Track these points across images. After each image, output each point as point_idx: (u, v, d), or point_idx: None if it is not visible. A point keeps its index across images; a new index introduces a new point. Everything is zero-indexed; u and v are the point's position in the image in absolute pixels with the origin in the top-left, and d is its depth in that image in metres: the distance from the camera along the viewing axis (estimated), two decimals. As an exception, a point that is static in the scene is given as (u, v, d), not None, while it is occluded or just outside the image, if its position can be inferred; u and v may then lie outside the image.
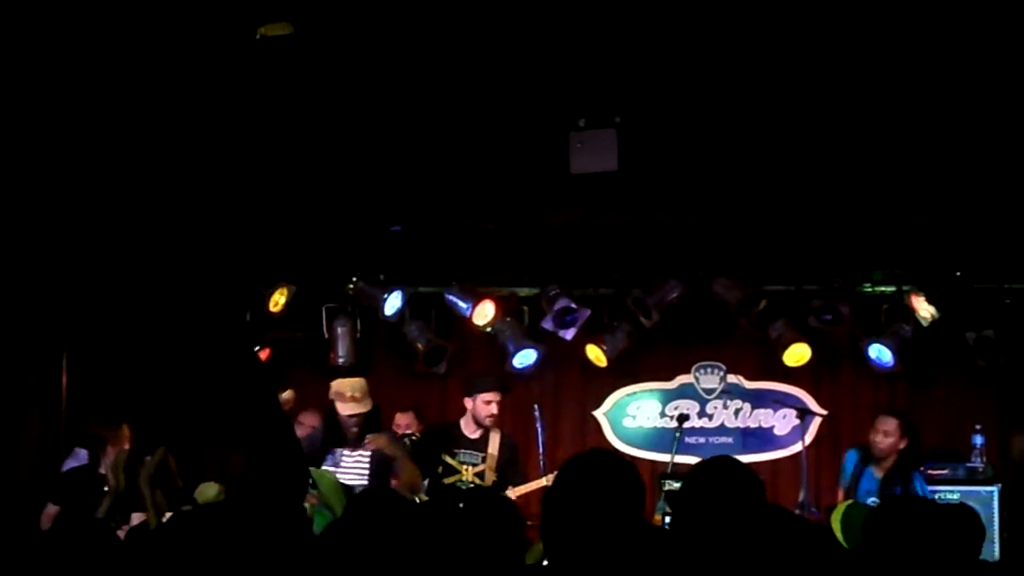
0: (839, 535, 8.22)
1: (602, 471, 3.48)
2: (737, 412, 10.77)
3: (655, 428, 10.76)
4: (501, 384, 9.23)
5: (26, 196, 8.94)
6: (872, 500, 8.49)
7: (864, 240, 9.88)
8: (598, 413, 10.92)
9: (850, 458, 9.22)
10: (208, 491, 7.77)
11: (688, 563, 3.53)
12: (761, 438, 10.70)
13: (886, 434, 9.01)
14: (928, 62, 7.64)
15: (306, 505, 8.95)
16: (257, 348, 10.47)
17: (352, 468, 8.49)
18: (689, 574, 3.53)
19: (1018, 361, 9.92)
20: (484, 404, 8.94)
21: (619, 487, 3.44)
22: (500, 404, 9.05)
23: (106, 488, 8.59)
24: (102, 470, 8.68)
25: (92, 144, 8.44)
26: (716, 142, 8.88)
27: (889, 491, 8.70)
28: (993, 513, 9.31)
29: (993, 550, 9.05)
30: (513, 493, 8.83)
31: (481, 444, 9.03)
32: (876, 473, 9.03)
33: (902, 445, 9.05)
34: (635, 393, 10.87)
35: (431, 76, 8.04)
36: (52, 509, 8.65)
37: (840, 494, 9.15)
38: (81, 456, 9.13)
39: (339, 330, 10.53)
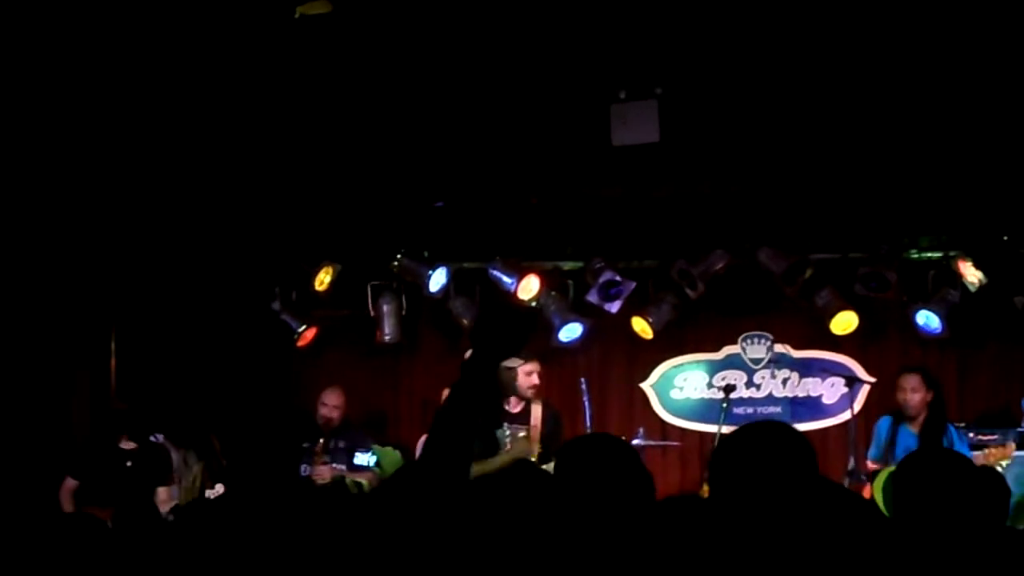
0: (882, 506, 8.22)
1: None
2: (785, 381, 10.76)
3: (702, 399, 10.76)
4: (538, 354, 9.24)
5: (77, 178, 9.04)
6: None
7: (910, 206, 9.85)
8: (645, 385, 10.94)
9: (883, 424, 9.19)
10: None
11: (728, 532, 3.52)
12: (810, 407, 10.69)
13: (913, 390, 9.02)
14: (968, 27, 7.61)
15: (362, 482, 9.09)
16: (303, 327, 10.53)
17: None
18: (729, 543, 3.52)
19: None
20: (525, 376, 8.94)
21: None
22: (541, 375, 9.06)
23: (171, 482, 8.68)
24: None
25: (137, 124, 8.52)
26: (758, 111, 8.91)
27: (928, 444, 8.68)
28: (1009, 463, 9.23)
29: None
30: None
31: (524, 417, 9.05)
32: (913, 429, 9.03)
33: (929, 397, 9.07)
34: (681, 365, 10.89)
35: (474, 51, 8.08)
36: (70, 483, 8.68)
37: (869, 465, 9.15)
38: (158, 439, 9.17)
39: (385, 307, 10.61)
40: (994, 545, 3.81)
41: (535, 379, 9.00)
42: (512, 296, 10.29)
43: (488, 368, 3.43)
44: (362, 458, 9.34)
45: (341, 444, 9.54)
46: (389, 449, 9.79)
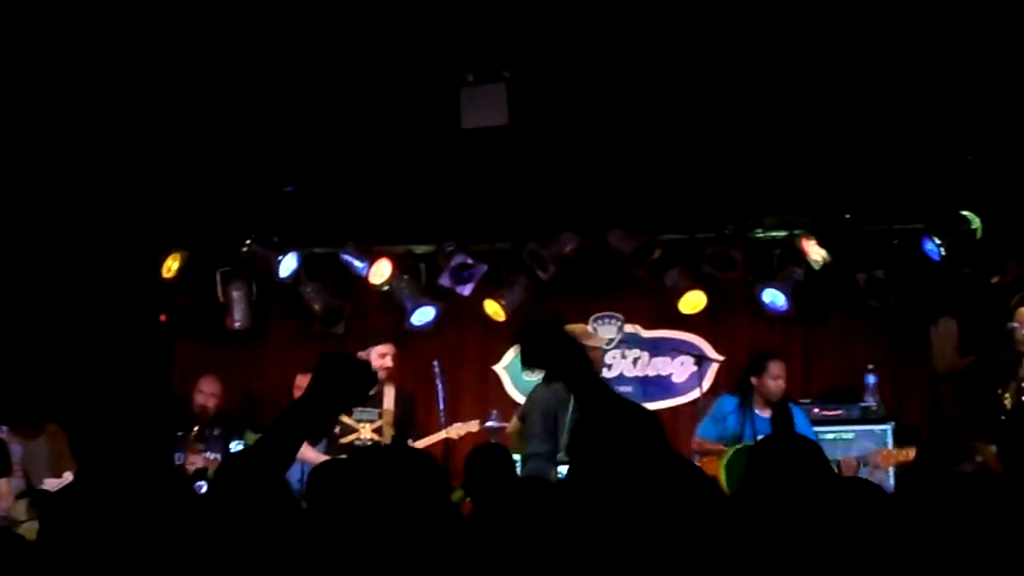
0: (724, 483, 8.37)
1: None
2: (636, 361, 10.90)
3: (555, 380, 10.81)
4: (392, 336, 9.26)
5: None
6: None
7: (754, 186, 9.97)
8: (498, 368, 11.03)
9: (727, 404, 9.19)
10: None
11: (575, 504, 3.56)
12: (660, 386, 10.84)
13: (784, 379, 9.12)
14: (810, 10, 7.76)
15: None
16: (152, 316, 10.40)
17: None
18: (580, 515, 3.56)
19: (908, 301, 10.07)
20: (379, 357, 8.97)
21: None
22: (395, 357, 9.09)
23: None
24: None
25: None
26: (606, 93, 8.96)
27: (781, 428, 8.80)
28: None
29: (888, 487, 9.28)
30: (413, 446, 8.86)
31: (377, 400, 9.07)
32: (762, 412, 9.07)
33: None
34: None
35: (321, 33, 8.02)
36: None
37: (699, 442, 9.12)
38: None
39: (234, 294, 10.55)
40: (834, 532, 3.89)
41: (388, 361, 9.03)
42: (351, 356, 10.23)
43: (319, 420, 3.44)
44: (236, 446, 9.28)
45: (216, 432, 9.49)
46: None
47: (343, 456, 8.55)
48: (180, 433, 9.47)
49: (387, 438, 9.07)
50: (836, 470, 8.56)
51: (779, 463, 4.04)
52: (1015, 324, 7.96)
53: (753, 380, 9.15)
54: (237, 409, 10.48)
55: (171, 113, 8.84)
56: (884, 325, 10.39)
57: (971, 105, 8.78)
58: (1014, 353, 7.91)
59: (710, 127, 9.31)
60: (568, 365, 3.55)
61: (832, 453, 9.14)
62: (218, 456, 9.32)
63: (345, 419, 8.97)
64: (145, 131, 8.98)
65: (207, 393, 9.68)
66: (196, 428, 9.44)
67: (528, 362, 3.60)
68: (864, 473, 9.02)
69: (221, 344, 10.85)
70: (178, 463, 9.27)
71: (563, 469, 8.45)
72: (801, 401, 9.71)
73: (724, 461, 8.62)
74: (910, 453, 8.90)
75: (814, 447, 4.15)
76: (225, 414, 9.84)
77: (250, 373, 11.05)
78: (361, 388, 3.45)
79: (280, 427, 3.41)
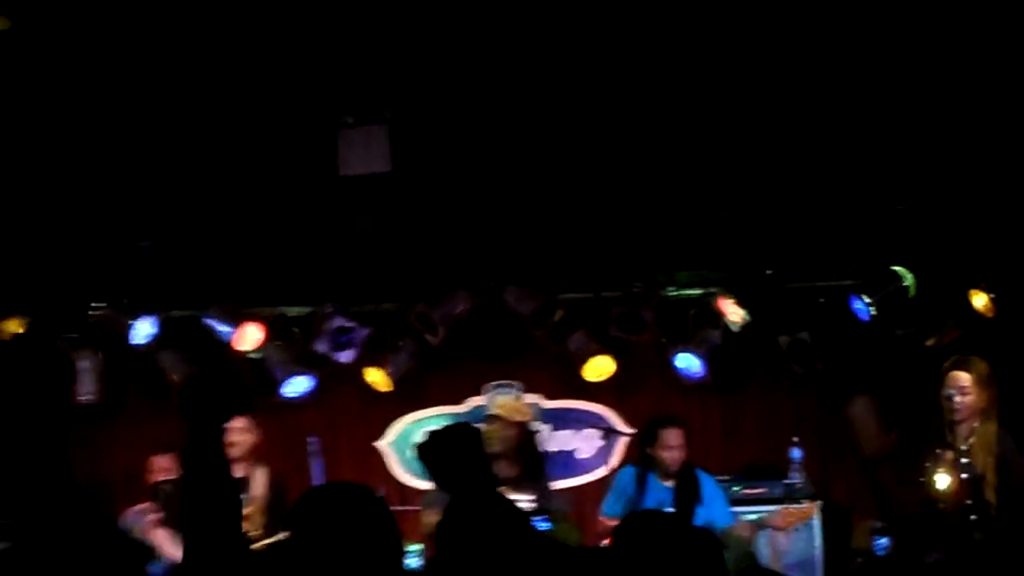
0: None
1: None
2: (537, 434, 10.90)
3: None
4: (263, 411, 9.25)
5: None
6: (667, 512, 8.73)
7: (665, 238, 10.09)
8: (382, 444, 11.06)
9: (626, 475, 9.15)
10: None
11: None
12: (563, 463, 10.81)
13: (679, 447, 9.02)
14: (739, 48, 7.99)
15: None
16: None
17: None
18: None
19: (836, 365, 10.21)
20: (230, 432, 8.88)
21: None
22: (248, 431, 9.00)
23: None
24: None
25: None
26: (499, 134, 9.12)
27: (683, 502, 8.82)
28: (814, 532, 9.67)
29: (815, 573, 9.48)
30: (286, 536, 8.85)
31: (245, 484, 9.01)
32: (665, 482, 9.03)
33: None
34: (423, 419, 10.95)
35: (185, 68, 8.07)
36: None
37: (604, 521, 9.00)
38: None
39: (82, 363, 10.47)
40: None
41: (235, 436, 8.87)
42: (223, 351, 10.27)
43: (205, 439, 3.68)
44: None
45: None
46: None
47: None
48: None
49: (256, 526, 9.02)
50: (736, 540, 8.62)
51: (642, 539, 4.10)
52: (950, 391, 8.04)
53: (647, 451, 9.09)
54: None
55: (8, 158, 8.87)
56: (810, 393, 10.53)
57: (903, 150, 9.03)
58: (946, 424, 8.00)
59: (614, 174, 9.45)
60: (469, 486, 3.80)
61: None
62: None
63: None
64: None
65: None
66: None
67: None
68: (763, 538, 9.19)
69: (66, 420, 10.75)
70: None
71: None
72: (720, 478, 9.63)
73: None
74: (810, 509, 9.01)
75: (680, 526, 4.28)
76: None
77: (98, 455, 10.93)
78: (237, 392, 3.73)
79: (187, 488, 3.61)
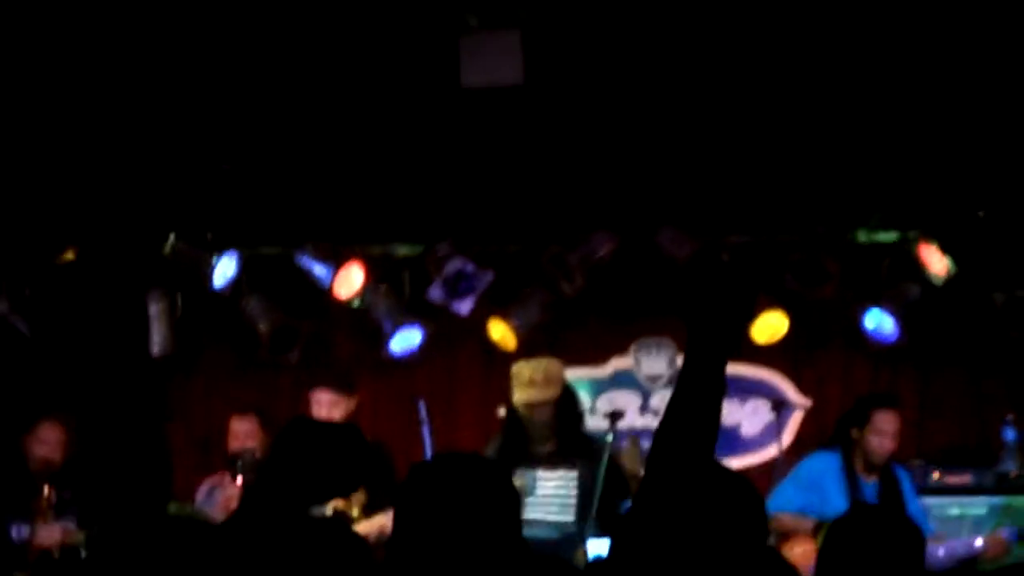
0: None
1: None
2: (691, 406, 10.76)
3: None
4: (339, 379, 9.25)
5: None
6: None
7: (856, 172, 9.92)
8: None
9: (820, 462, 9.10)
10: None
11: None
12: (724, 440, 10.46)
13: (894, 437, 8.98)
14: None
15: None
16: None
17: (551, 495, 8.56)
18: None
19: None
20: (316, 405, 9.02)
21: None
22: (338, 404, 9.06)
23: None
24: None
25: None
26: (657, 45, 8.91)
27: (892, 503, 8.72)
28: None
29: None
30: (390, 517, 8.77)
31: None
32: (867, 478, 9.01)
33: None
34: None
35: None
36: None
37: (776, 519, 8.81)
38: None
39: (153, 308, 10.42)
40: None
41: (324, 411, 8.99)
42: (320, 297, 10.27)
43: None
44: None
45: (67, 495, 9.37)
46: (190, 508, 9.66)
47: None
48: (14, 499, 9.37)
49: (356, 505, 8.99)
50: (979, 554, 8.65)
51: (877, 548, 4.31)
52: None
53: (854, 434, 9.02)
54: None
55: (72, 65, 8.79)
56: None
57: None
58: None
59: (797, 93, 9.25)
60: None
61: (957, 532, 9.08)
62: (72, 525, 9.16)
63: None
64: (30, 91, 8.93)
65: (49, 443, 9.55)
66: (47, 490, 9.34)
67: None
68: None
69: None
70: (18, 538, 9.15)
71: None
72: (914, 463, 9.66)
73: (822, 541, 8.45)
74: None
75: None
76: (78, 468, 9.72)
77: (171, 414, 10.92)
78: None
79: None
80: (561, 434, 8.54)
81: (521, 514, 3.83)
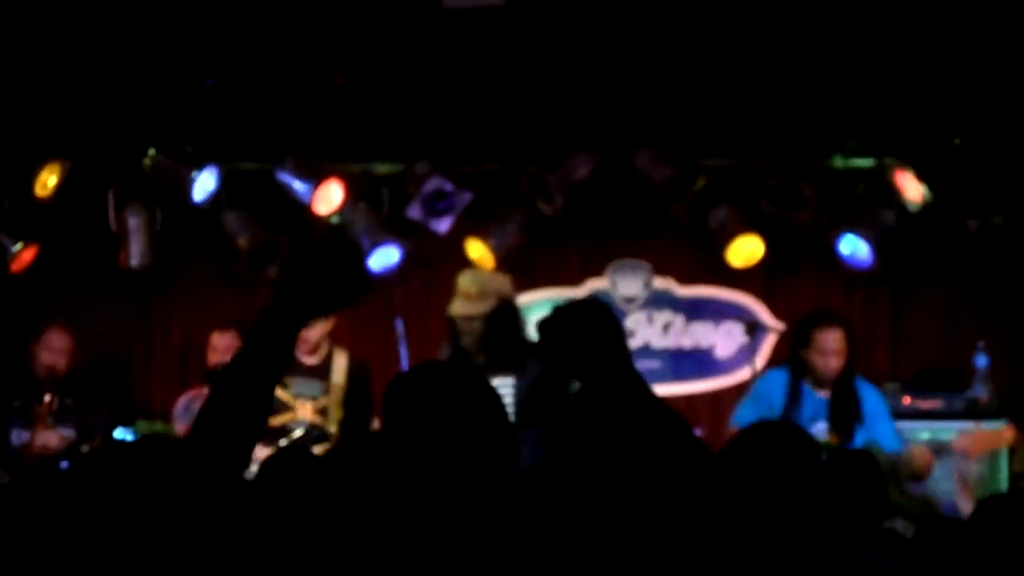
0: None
1: None
2: (667, 327, 10.90)
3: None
4: None
5: None
6: (821, 427, 8.58)
7: (833, 98, 9.93)
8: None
9: (773, 380, 9.06)
10: None
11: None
12: (698, 361, 10.89)
13: (836, 353, 8.85)
14: None
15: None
16: (19, 245, 10.33)
17: None
18: None
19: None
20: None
21: None
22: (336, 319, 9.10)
23: None
24: None
25: None
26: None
27: (841, 417, 8.73)
28: (1001, 454, 9.48)
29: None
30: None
31: (322, 370, 9.05)
32: (819, 392, 8.95)
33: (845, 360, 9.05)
34: (532, 304, 10.78)
35: None
36: None
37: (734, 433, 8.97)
38: None
39: (132, 221, 10.47)
40: None
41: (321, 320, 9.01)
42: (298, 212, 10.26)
43: (293, 327, 3.53)
44: (122, 435, 9.22)
45: (69, 402, 9.47)
46: (160, 425, 9.69)
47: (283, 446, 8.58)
48: (16, 404, 9.43)
49: (332, 421, 9.07)
50: (906, 467, 8.49)
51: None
52: None
53: (800, 353, 8.98)
54: (121, 376, 10.51)
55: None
56: (1001, 289, 10.39)
57: None
58: None
59: (773, 15, 9.23)
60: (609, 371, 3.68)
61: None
62: (71, 433, 9.31)
63: (278, 393, 8.90)
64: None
65: (56, 349, 9.61)
66: (47, 397, 9.40)
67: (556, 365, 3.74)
68: (948, 467, 9.04)
69: (111, 288, 10.83)
70: (18, 443, 9.23)
71: None
72: (887, 386, 9.66)
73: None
74: (1008, 434, 8.91)
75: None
76: (81, 377, 9.78)
77: (148, 328, 11.06)
78: (353, 278, 3.53)
79: (241, 370, 3.45)
80: (490, 347, 8.53)
81: (506, 415, 3.74)
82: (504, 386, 8.44)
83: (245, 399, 3.45)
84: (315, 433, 8.87)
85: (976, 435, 8.83)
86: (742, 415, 9.00)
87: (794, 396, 8.86)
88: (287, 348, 3.50)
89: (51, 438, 9.23)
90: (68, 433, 9.30)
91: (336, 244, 3.49)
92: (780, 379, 9.02)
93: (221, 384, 3.49)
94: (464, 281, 8.64)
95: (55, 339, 9.63)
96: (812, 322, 9.04)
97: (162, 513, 3.22)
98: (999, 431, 8.85)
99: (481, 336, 8.49)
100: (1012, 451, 9.54)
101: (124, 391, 10.67)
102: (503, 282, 8.75)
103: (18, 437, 9.27)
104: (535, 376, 8.35)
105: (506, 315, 8.65)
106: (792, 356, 9.07)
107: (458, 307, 8.58)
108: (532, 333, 8.96)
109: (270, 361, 3.48)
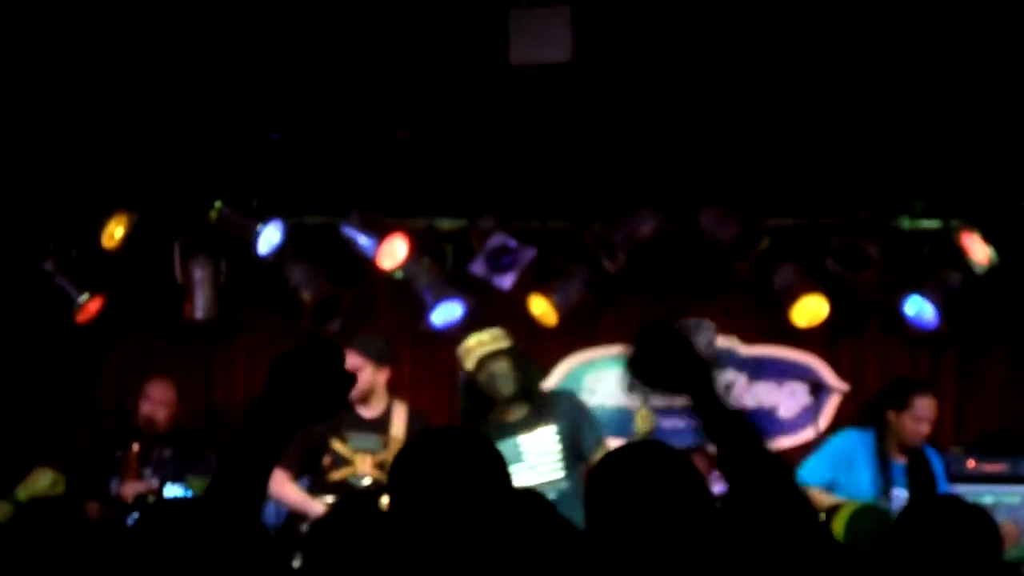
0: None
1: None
2: (729, 386, 10.85)
3: (619, 408, 10.80)
4: (364, 343, 9.28)
5: None
6: (902, 493, 8.58)
7: (901, 159, 9.94)
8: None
9: (853, 438, 9.16)
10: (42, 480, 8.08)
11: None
12: (761, 421, 10.71)
13: (932, 422, 9.02)
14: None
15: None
16: (86, 296, 10.40)
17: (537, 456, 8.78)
18: None
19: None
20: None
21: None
22: (368, 370, 9.11)
23: None
24: None
25: None
26: (706, 25, 8.95)
27: (920, 483, 8.76)
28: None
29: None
30: None
31: (382, 423, 9.06)
32: (897, 459, 9.06)
33: None
34: (594, 361, 10.95)
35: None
36: None
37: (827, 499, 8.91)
38: None
39: (197, 273, 10.52)
40: None
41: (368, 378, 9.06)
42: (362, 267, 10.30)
43: (282, 436, 3.55)
44: (172, 491, 9.24)
45: (167, 453, 9.52)
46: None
47: (347, 503, 8.58)
48: (117, 454, 9.50)
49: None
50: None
51: (943, 535, 4.24)
52: None
53: (890, 416, 9.07)
54: (194, 426, 10.55)
55: (125, 31, 8.87)
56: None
57: None
58: None
59: (842, 77, 9.27)
60: (697, 385, 3.81)
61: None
62: (156, 483, 9.33)
63: (338, 447, 8.95)
64: (83, 53, 9.01)
65: (156, 401, 9.68)
66: (137, 446, 9.46)
67: (647, 378, 3.86)
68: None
69: (177, 339, 10.87)
70: (115, 492, 9.30)
71: None
72: (952, 450, 9.64)
73: (845, 519, 8.49)
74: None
75: (984, 516, 4.33)
76: (181, 430, 9.86)
77: (213, 379, 11.11)
78: (334, 389, 3.54)
79: (232, 453, 3.48)
80: (526, 394, 8.78)
81: (509, 472, 3.85)
82: (549, 434, 8.67)
83: (232, 491, 3.48)
84: (377, 488, 8.88)
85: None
86: (814, 472, 9.01)
87: (882, 460, 8.95)
88: (270, 456, 3.52)
89: (138, 487, 9.27)
90: (153, 483, 9.32)
91: (317, 351, 3.51)
92: (859, 440, 9.08)
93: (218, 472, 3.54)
94: (470, 339, 8.98)
95: (156, 390, 9.71)
96: (911, 387, 9.19)
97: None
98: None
99: (512, 368, 8.80)
100: None
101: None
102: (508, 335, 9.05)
103: (115, 487, 9.34)
104: (572, 420, 8.67)
105: (523, 353, 8.96)
106: (878, 417, 9.12)
107: (477, 352, 8.86)
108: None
109: (253, 464, 3.50)
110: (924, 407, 9.03)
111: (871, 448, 9.00)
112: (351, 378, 3.51)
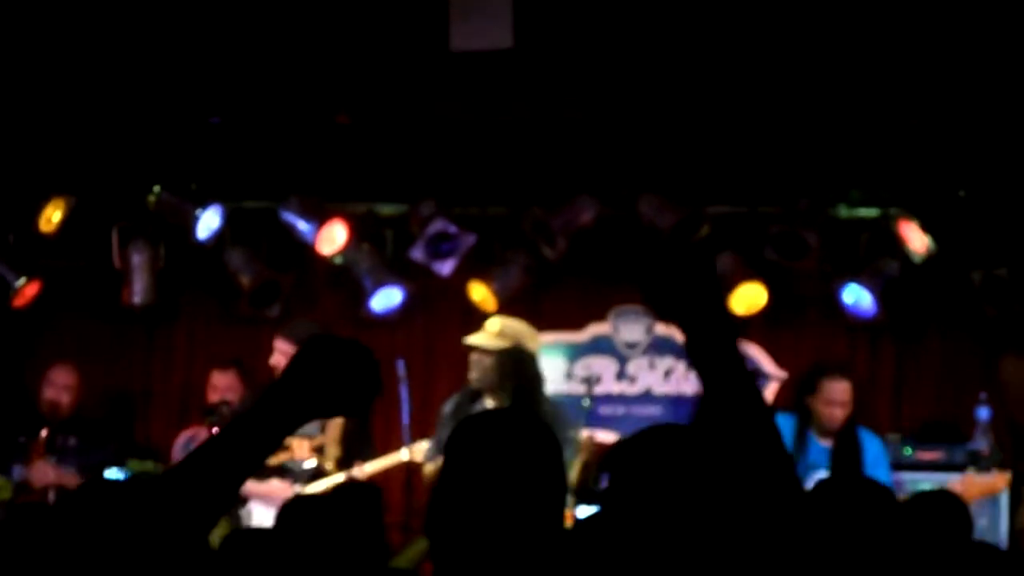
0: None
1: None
2: (668, 373, 10.92)
3: (558, 395, 10.77)
4: (295, 329, 9.36)
5: None
6: (822, 475, 8.64)
7: (839, 147, 9.99)
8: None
9: (780, 426, 9.19)
10: None
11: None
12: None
13: (842, 404, 9.08)
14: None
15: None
16: (23, 280, 10.37)
17: None
18: None
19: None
20: (277, 353, 9.24)
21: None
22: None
23: None
24: None
25: None
26: (648, 11, 9.05)
27: (842, 465, 8.85)
28: (1001, 509, 9.49)
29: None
30: (362, 471, 8.92)
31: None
32: (822, 441, 9.13)
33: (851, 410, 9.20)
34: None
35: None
36: None
37: None
38: None
39: (136, 257, 10.51)
40: None
41: (279, 360, 9.08)
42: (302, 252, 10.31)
43: (286, 428, 3.33)
44: (113, 474, 9.24)
45: (72, 441, 9.50)
46: (151, 464, 9.69)
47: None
48: (21, 439, 9.49)
49: (329, 459, 9.09)
50: None
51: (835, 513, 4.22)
52: None
53: (808, 400, 9.19)
54: (122, 413, 10.55)
55: (62, 15, 8.90)
56: (1004, 341, 10.37)
57: None
58: None
59: (781, 65, 9.33)
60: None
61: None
62: (72, 470, 9.35)
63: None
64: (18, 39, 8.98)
65: (59, 386, 9.68)
66: (44, 432, 9.45)
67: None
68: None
69: (115, 324, 10.89)
70: (18, 478, 9.28)
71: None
72: (888, 437, 9.71)
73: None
74: (1000, 481, 8.97)
75: (886, 493, 4.31)
76: (84, 418, 9.85)
77: (152, 364, 11.10)
78: (366, 390, 3.36)
79: (222, 446, 3.29)
80: (514, 395, 8.80)
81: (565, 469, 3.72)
82: None
83: (209, 484, 3.27)
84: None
85: (967, 481, 8.89)
86: None
87: (799, 443, 9.00)
88: (269, 447, 3.32)
89: (48, 473, 9.26)
90: (69, 471, 9.32)
91: (355, 350, 3.30)
92: (785, 425, 9.08)
93: (191, 460, 3.31)
94: (491, 320, 9.15)
95: (59, 375, 9.69)
96: (820, 372, 9.25)
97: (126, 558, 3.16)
98: (991, 479, 8.91)
99: (489, 372, 8.88)
100: (1013, 508, 9.58)
101: (128, 428, 10.70)
102: (526, 332, 9.13)
103: (18, 473, 9.30)
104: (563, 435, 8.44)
105: (516, 358, 8.79)
106: (798, 403, 9.22)
107: (473, 337, 8.98)
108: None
109: (246, 455, 3.29)
110: (833, 390, 9.10)
111: (791, 433, 9.03)
112: (378, 386, 3.35)
